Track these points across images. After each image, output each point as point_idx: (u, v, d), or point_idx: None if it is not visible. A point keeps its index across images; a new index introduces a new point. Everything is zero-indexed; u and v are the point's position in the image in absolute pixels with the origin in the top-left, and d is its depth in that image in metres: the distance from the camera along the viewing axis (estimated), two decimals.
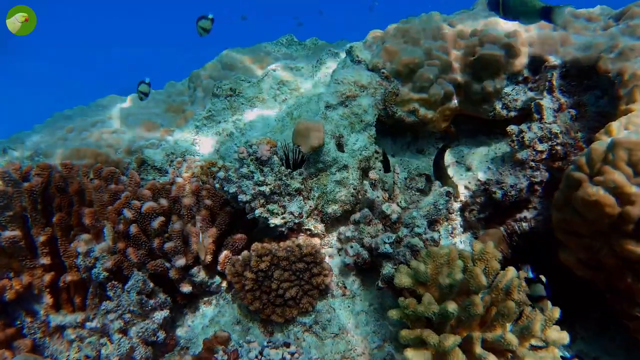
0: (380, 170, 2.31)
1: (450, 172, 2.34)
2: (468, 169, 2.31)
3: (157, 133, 3.10)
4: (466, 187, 2.21)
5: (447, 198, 1.92)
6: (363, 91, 2.10)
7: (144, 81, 3.00)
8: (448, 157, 2.41)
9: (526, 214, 2.16)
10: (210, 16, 3.08)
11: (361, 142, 2.10)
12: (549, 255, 2.07)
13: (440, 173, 2.01)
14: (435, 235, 1.80)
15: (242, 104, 3.07)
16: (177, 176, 2.69)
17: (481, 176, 2.15)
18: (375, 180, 2.07)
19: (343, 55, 2.75)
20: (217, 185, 2.02)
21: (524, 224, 2.17)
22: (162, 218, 1.96)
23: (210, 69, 3.50)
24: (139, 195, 2.09)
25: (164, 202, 2.04)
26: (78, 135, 2.98)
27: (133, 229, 1.92)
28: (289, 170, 1.94)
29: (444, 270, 1.61)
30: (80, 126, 3.09)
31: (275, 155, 1.94)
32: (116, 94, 3.79)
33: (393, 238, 1.78)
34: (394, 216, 1.99)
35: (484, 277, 1.50)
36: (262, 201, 1.89)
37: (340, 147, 2.07)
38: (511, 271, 1.62)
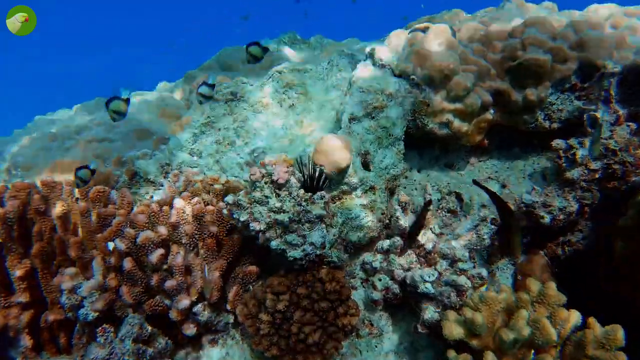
0: (405, 187, 2.06)
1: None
2: (503, 186, 2.07)
3: (150, 142, 2.80)
4: None
5: (492, 227, 1.67)
6: (391, 101, 1.83)
7: (117, 97, 2.06)
8: (482, 172, 2.16)
9: (570, 237, 1.92)
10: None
11: (389, 159, 1.84)
12: (596, 283, 1.85)
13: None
14: (483, 271, 1.55)
15: (244, 109, 2.78)
16: (174, 192, 2.41)
17: (522, 196, 1.91)
18: (406, 203, 1.82)
19: (359, 56, 2.48)
20: (225, 212, 1.74)
21: (567, 248, 1.94)
22: (161, 251, 1.68)
23: (207, 69, 3.21)
24: (132, 220, 1.81)
25: (162, 230, 1.76)
26: (62, 145, 2.68)
27: (127, 264, 1.64)
28: (309, 194, 1.68)
29: (501, 317, 1.37)
30: (64, 134, 2.78)
31: (293, 177, 1.67)
32: (102, 97, 3.47)
33: (435, 276, 1.53)
34: (429, 245, 1.74)
35: (553, 329, 1.27)
36: (279, 231, 1.62)
37: (366, 165, 1.81)
38: (575, 316, 1.39)
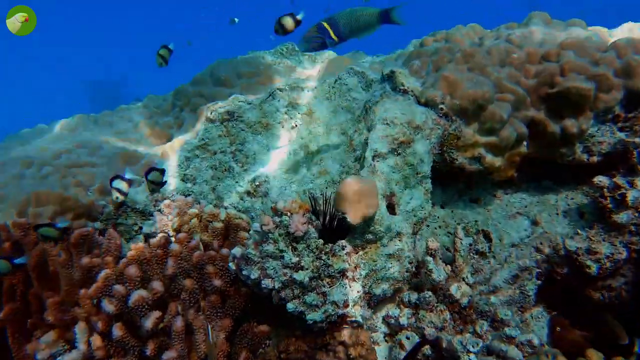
0: (427, 226, 1.86)
1: (514, 226, 1.90)
2: (535, 223, 1.88)
3: (138, 167, 2.54)
4: (538, 249, 1.77)
5: (538, 282, 1.48)
6: (417, 134, 1.62)
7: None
8: (509, 206, 1.97)
9: (611, 281, 1.74)
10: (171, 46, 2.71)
11: (416, 201, 1.63)
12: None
13: None
14: (534, 339, 1.35)
15: (242, 130, 2.54)
16: (167, 226, 2.16)
17: (564, 240, 1.72)
18: (435, 251, 1.61)
19: (370, 75, 2.27)
20: (233, 267, 1.51)
21: (607, 293, 1.76)
22: (157, 314, 1.44)
23: (199, 83, 2.95)
24: (122, 273, 1.56)
25: (157, 286, 1.52)
26: (38, 172, 2.40)
27: (117, 331, 1.39)
28: (329, 245, 1.46)
29: None
30: (40, 159, 2.49)
31: (311, 225, 1.45)
32: (85, 113, 3.18)
33: (479, 346, 1.32)
34: (464, 300, 1.54)
35: None
36: (296, 291, 1.40)
37: (391, 207, 1.60)
38: None
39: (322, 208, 1.58)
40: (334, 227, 1.55)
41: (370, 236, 1.51)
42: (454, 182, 1.95)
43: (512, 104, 1.65)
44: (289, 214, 1.45)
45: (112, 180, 2.07)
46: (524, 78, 1.75)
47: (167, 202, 2.35)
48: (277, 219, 1.44)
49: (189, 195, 2.47)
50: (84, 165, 2.54)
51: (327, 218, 1.57)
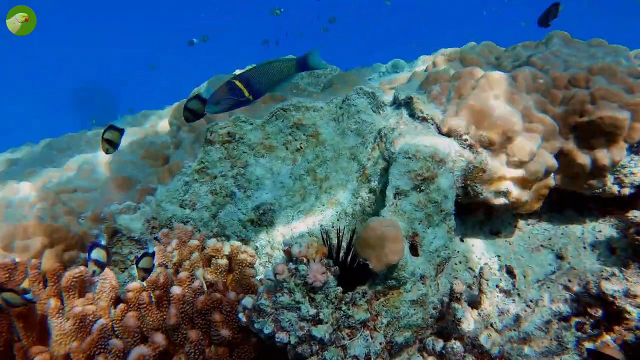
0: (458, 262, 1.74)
1: (538, 260, 1.79)
2: (560, 258, 1.77)
3: (133, 192, 2.39)
4: (566, 287, 1.65)
5: (579, 335, 1.36)
6: (441, 167, 1.50)
7: (113, 126, 1.89)
8: (532, 238, 1.86)
9: None
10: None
11: (440, 240, 1.50)
12: None
13: None
14: None
15: (244, 152, 2.40)
16: (166, 259, 2.02)
17: (588, 274, 1.61)
18: (461, 294, 1.49)
19: (381, 96, 2.14)
20: (243, 318, 1.37)
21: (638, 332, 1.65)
22: None
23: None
24: (119, 323, 1.42)
25: (159, 340, 1.37)
26: (25, 199, 2.23)
27: None
28: (349, 294, 1.33)
29: None
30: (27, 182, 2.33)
31: (329, 272, 1.32)
32: (72, 132, 3.03)
33: None
34: (495, 350, 1.41)
35: None
36: (315, 347, 1.26)
37: (414, 248, 1.47)
38: None
39: (336, 244, 1.46)
40: (353, 270, 1.42)
41: (392, 282, 1.38)
42: (473, 212, 1.83)
43: (542, 135, 1.54)
44: (304, 259, 1.32)
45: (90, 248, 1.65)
46: (550, 105, 1.64)
47: (165, 231, 2.21)
48: (292, 266, 1.31)
49: (188, 222, 2.33)
50: (75, 190, 2.38)
51: (343, 257, 1.45)
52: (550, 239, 1.83)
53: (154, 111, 3.71)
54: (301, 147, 2.37)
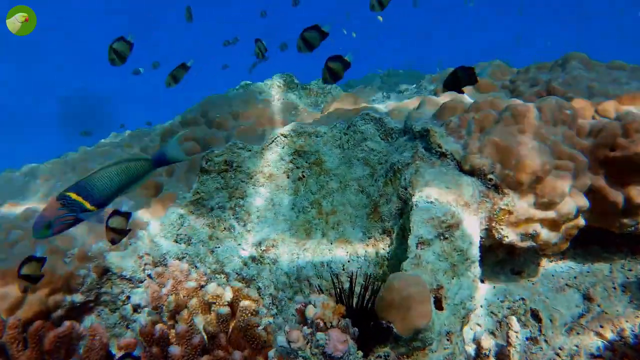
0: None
1: (564, 301, 1.67)
2: (589, 299, 1.64)
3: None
4: (598, 334, 1.53)
5: None
6: (465, 211, 1.37)
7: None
8: (556, 277, 1.74)
9: None
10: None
11: (465, 291, 1.37)
12: None
13: None
14: None
15: (243, 181, 2.26)
16: (159, 301, 1.85)
17: (622, 320, 1.49)
18: (489, 351, 1.36)
19: (389, 122, 2.01)
20: None
21: None
22: None
23: (191, 124, 2.65)
24: None
25: None
26: (5, 238, 2.06)
27: None
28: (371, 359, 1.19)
29: None
30: (7, 221, 2.16)
31: (349, 337, 1.17)
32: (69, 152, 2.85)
33: None
34: None
35: None
36: None
37: (438, 301, 1.34)
38: None
39: (348, 289, 1.34)
40: (371, 329, 1.28)
41: (417, 343, 1.24)
42: (493, 250, 1.70)
43: (572, 173, 1.41)
44: (321, 323, 1.18)
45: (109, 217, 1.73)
46: (577, 137, 1.52)
47: (159, 269, 2.04)
48: (307, 331, 1.17)
49: (183, 258, 2.17)
50: None
51: (357, 304, 1.33)
52: (575, 278, 1.71)
53: (147, 131, 3.55)
54: (303, 176, 2.22)
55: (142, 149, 2.90)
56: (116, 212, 1.76)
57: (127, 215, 1.81)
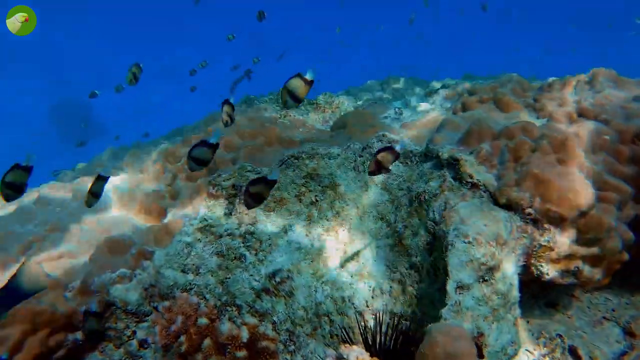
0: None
1: (602, 336, 1.57)
2: (630, 334, 1.54)
3: (127, 257, 2.10)
4: None
5: None
6: (504, 250, 1.27)
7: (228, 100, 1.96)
8: (593, 309, 1.63)
9: None
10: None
11: (506, 336, 1.27)
12: None
13: None
14: None
15: None
16: (169, 339, 1.75)
17: None
18: None
19: (408, 145, 1.91)
20: None
21: None
22: None
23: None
24: None
25: None
26: (1, 274, 1.94)
27: None
28: None
29: None
30: (4, 252, 2.03)
31: None
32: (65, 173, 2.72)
33: None
34: None
35: None
36: None
37: (478, 349, 1.23)
38: None
39: (373, 327, 1.23)
40: None
41: None
42: (526, 284, 1.60)
43: (617, 205, 1.32)
44: None
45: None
46: (618, 164, 1.42)
47: (166, 304, 1.93)
48: None
49: (192, 289, 2.05)
50: (60, 256, 2.09)
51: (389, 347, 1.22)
52: (614, 311, 1.61)
53: (146, 146, 3.43)
54: (317, 200, 2.12)
55: (140, 167, 2.77)
56: (17, 166, 1.56)
57: (28, 170, 1.58)
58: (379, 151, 1.38)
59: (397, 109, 2.50)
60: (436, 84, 3.06)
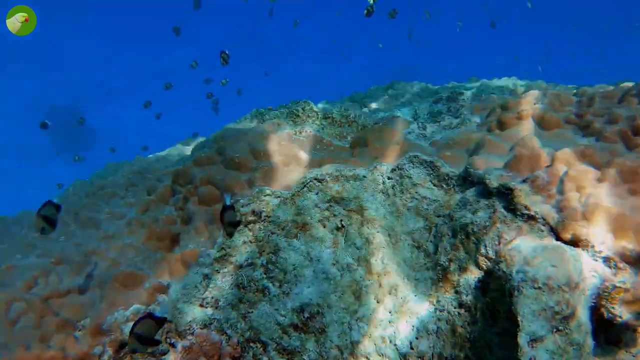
0: None
1: None
2: None
3: (141, 291, 1.96)
4: None
5: None
6: (577, 294, 1.14)
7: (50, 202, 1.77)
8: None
9: None
10: None
11: None
12: None
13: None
14: None
15: (273, 233, 2.00)
16: None
17: None
18: None
19: (443, 166, 1.78)
20: None
21: None
22: None
23: (205, 164, 2.38)
24: None
25: None
26: (4, 316, 1.78)
27: None
28: None
29: None
30: (6, 291, 1.87)
31: None
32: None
33: None
34: None
35: None
36: None
37: None
38: None
39: None
40: None
41: None
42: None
43: None
44: None
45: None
46: None
47: (186, 344, 1.80)
48: None
49: (211, 324, 1.91)
50: (67, 292, 1.93)
51: None
52: None
53: (150, 163, 3.27)
54: (342, 226, 1.98)
55: (149, 190, 2.62)
56: (50, 203, 1.73)
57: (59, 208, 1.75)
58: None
59: (420, 124, 2.37)
60: (460, 93, 2.94)
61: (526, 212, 1.32)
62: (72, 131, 12.26)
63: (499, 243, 1.31)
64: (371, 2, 3.36)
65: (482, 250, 1.35)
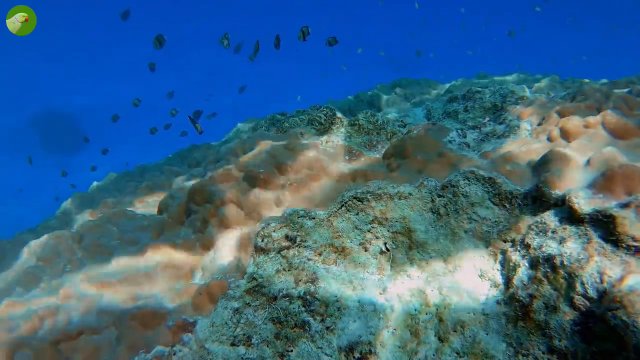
0: None
1: None
2: None
3: (163, 330, 1.73)
4: None
5: None
6: None
7: None
8: None
9: None
10: None
11: None
12: None
13: None
14: None
15: (309, 259, 1.80)
16: None
17: None
18: None
19: (504, 183, 1.59)
20: None
21: None
22: None
23: (225, 180, 2.16)
24: None
25: None
26: None
27: None
28: None
29: None
30: (10, 334, 1.64)
31: None
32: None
33: None
34: None
35: None
36: None
37: None
38: None
39: None
40: None
41: None
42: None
43: None
44: None
45: None
46: None
47: None
48: None
49: None
50: (79, 334, 1.70)
51: None
52: None
53: (154, 176, 3.04)
54: (388, 249, 1.78)
55: (163, 205, 2.39)
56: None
57: None
58: None
59: (459, 131, 2.17)
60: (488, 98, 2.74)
61: (633, 244, 1.13)
62: (63, 134, 11.96)
63: (602, 281, 1.12)
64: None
65: (579, 289, 1.16)
